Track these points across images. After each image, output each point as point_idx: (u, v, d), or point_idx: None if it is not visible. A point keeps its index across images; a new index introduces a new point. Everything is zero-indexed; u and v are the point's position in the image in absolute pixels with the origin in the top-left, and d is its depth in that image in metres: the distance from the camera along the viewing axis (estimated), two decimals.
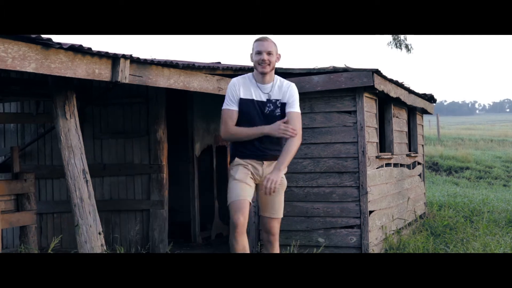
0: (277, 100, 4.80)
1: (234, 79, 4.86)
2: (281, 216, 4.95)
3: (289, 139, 4.68)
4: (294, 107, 4.81)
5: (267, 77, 4.80)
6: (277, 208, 4.90)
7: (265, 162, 4.81)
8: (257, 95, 4.79)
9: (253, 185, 4.82)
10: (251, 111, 4.76)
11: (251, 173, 4.79)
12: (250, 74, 4.91)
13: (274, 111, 4.79)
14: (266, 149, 4.80)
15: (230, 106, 4.78)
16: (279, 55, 4.86)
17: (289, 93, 4.82)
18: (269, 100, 4.79)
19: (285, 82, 4.90)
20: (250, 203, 4.69)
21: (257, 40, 4.81)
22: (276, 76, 4.90)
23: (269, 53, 4.72)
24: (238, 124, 4.75)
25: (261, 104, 4.78)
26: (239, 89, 4.78)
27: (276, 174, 4.56)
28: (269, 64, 4.72)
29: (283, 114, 4.78)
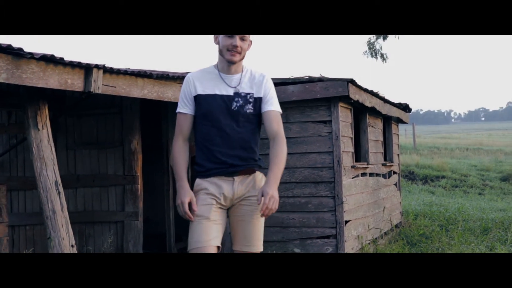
0: (248, 94, 3.76)
1: (189, 74, 3.86)
2: (261, 249, 3.81)
3: (275, 144, 3.71)
4: (274, 104, 3.80)
5: (234, 67, 3.76)
6: (256, 239, 3.78)
7: (236, 179, 3.72)
8: (221, 89, 3.74)
9: (222, 219, 3.75)
10: (213, 109, 3.70)
11: (216, 200, 3.71)
12: (211, 65, 3.87)
13: (243, 107, 3.72)
14: (238, 159, 3.72)
15: (182, 109, 3.80)
16: (251, 41, 3.81)
17: (265, 86, 3.80)
18: (237, 94, 3.73)
19: (258, 72, 3.87)
20: (218, 247, 3.67)
21: None
22: (244, 65, 3.85)
23: (243, 39, 3.69)
24: (200, 127, 3.76)
25: (226, 99, 3.72)
26: (194, 84, 3.76)
27: (274, 187, 3.55)
28: (240, 53, 3.69)
29: (257, 112, 3.78)
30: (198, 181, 3.81)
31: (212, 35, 3.81)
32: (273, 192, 3.52)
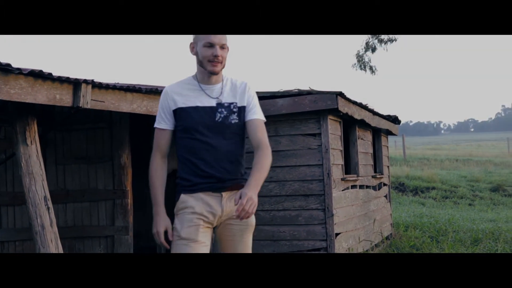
0: (231, 103, 3.60)
1: (167, 87, 3.68)
2: None
3: (259, 151, 3.53)
4: (257, 113, 3.66)
5: (215, 77, 3.60)
6: None
7: (224, 195, 3.53)
8: (203, 100, 3.57)
9: (210, 239, 3.57)
10: (196, 122, 3.53)
11: (203, 220, 3.51)
12: (189, 76, 3.69)
13: (228, 118, 3.56)
14: (226, 172, 3.54)
15: (160, 124, 3.65)
16: (228, 48, 3.62)
17: (248, 94, 3.65)
18: (220, 105, 3.57)
19: (239, 80, 3.71)
20: None
21: None
22: (224, 74, 3.69)
23: (222, 47, 3.53)
24: (183, 141, 3.58)
25: (209, 110, 3.55)
26: (173, 98, 3.59)
27: (254, 190, 3.30)
28: (221, 62, 3.53)
29: (242, 122, 3.62)
30: (183, 197, 3.57)
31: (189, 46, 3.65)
32: (252, 195, 3.23)
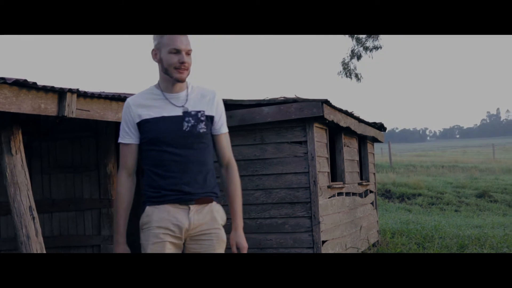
0: (199, 112, 3.39)
1: (128, 99, 3.46)
2: None
3: (231, 174, 3.51)
4: (225, 126, 3.53)
5: (179, 85, 3.40)
6: None
7: (192, 207, 3.34)
8: (168, 110, 3.36)
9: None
10: (163, 133, 3.33)
11: (170, 234, 3.33)
12: (151, 86, 3.48)
13: (196, 127, 3.35)
14: (194, 184, 3.36)
15: (124, 139, 3.44)
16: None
17: (217, 104, 3.47)
18: (187, 113, 3.36)
19: (206, 88, 3.51)
20: None
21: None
22: (188, 81, 3.47)
23: (188, 53, 3.35)
24: (149, 153, 3.39)
25: (176, 120, 3.35)
26: (136, 110, 3.37)
27: (242, 237, 3.42)
28: (187, 69, 3.35)
29: (209, 131, 3.44)
30: (148, 210, 3.38)
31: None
32: (244, 242, 3.40)
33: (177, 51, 3.30)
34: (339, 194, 8.13)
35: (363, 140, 10.17)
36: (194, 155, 3.35)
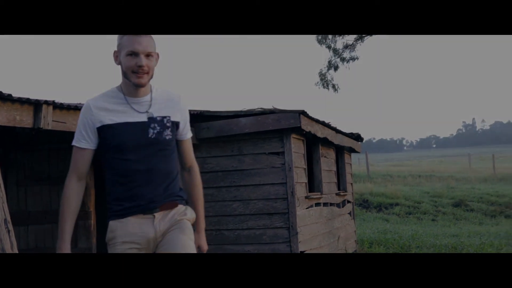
0: (164, 117, 3.19)
1: (89, 101, 3.20)
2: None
3: (193, 177, 3.43)
4: (190, 131, 3.40)
5: (142, 89, 3.16)
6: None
7: (157, 215, 3.17)
8: (132, 115, 3.14)
9: None
10: (126, 140, 3.11)
11: (137, 248, 3.18)
12: (113, 88, 3.24)
13: (162, 133, 3.16)
14: (160, 192, 3.18)
15: (79, 142, 3.21)
16: (158, 54, 3.22)
17: (182, 109, 3.29)
18: (152, 119, 3.15)
19: (169, 91, 3.31)
20: None
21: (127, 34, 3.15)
22: (152, 85, 3.26)
23: (148, 55, 3.10)
24: (111, 161, 3.19)
25: (140, 126, 3.13)
26: (98, 113, 3.13)
27: (204, 239, 3.41)
28: (147, 72, 3.10)
29: (175, 138, 3.27)
30: (112, 225, 3.21)
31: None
32: (205, 245, 3.40)
33: (134, 53, 3.07)
34: (317, 204, 8.15)
35: (340, 151, 10.22)
36: (160, 165, 3.17)
